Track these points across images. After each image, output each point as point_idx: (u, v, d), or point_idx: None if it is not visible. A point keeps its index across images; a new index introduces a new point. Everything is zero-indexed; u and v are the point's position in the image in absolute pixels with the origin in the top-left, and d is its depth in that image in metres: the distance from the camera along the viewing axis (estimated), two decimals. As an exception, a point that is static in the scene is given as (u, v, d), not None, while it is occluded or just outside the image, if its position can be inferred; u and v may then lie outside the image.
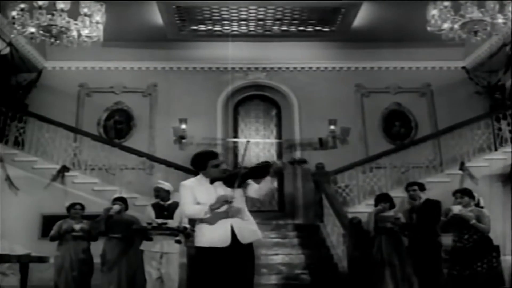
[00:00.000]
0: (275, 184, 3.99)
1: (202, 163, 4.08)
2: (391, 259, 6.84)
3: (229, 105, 11.19)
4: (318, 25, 10.57)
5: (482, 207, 6.36)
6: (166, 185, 6.82)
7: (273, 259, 7.92)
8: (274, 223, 9.33)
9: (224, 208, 3.86)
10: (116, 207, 6.97)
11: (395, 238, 6.97)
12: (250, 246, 3.97)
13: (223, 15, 10.12)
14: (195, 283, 4.02)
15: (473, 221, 6.02)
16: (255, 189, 4.04)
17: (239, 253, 3.87)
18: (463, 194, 6.40)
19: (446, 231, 6.47)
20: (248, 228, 3.97)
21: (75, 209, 7.19)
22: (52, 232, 7.05)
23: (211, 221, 3.90)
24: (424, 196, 6.97)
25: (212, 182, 4.02)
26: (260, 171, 3.95)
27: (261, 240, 4.12)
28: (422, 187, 7.07)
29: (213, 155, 4.12)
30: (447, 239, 6.53)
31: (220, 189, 3.96)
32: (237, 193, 3.94)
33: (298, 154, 10.75)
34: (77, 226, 7.00)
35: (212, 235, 3.89)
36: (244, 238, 3.90)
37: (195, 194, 3.98)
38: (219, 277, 3.79)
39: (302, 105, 11.04)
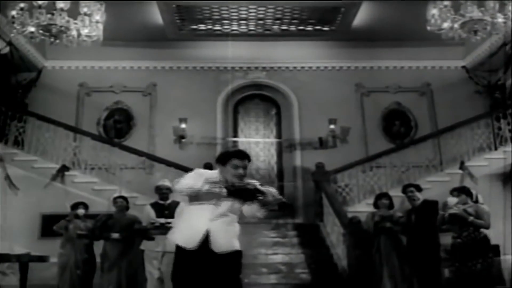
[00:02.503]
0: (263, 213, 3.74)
1: (224, 159, 3.78)
2: (390, 259, 6.85)
3: (229, 105, 11.19)
4: (318, 25, 10.57)
5: (481, 204, 6.37)
6: (170, 183, 6.83)
7: (272, 259, 7.92)
8: (273, 222, 9.32)
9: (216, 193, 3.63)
10: (81, 211, 7.12)
11: (394, 238, 6.98)
12: (227, 257, 3.62)
13: (223, 15, 10.12)
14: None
15: (471, 218, 6.02)
16: (248, 209, 3.76)
17: (210, 259, 3.56)
18: (460, 192, 6.41)
19: (446, 230, 6.48)
20: (226, 238, 3.65)
21: (78, 209, 7.23)
22: (59, 224, 7.10)
23: (190, 215, 3.72)
24: (422, 196, 6.98)
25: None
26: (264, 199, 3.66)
27: (240, 251, 3.74)
28: (418, 188, 7.08)
29: (238, 154, 3.82)
30: (446, 239, 6.53)
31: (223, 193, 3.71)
32: (236, 203, 3.72)
33: (298, 154, 10.76)
34: (81, 211, 7.06)
35: (183, 233, 3.70)
36: (216, 246, 3.58)
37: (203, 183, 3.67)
38: (187, 279, 3.58)
39: (302, 104, 11.04)
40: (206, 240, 3.58)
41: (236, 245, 3.71)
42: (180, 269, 3.64)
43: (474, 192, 6.51)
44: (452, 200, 6.25)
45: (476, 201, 6.42)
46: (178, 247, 3.67)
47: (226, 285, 3.60)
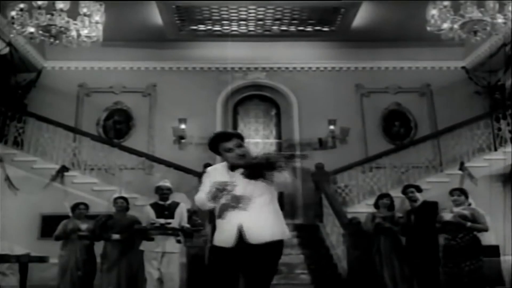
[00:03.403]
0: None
1: (214, 147, 3.44)
2: (389, 259, 6.86)
3: (228, 105, 11.18)
4: (318, 25, 10.57)
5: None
6: (170, 184, 6.83)
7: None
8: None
9: (226, 198, 3.26)
10: (83, 225, 7.03)
11: (394, 239, 6.98)
12: (267, 247, 3.26)
13: (223, 15, 10.12)
14: (198, 282, 3.54)
15: (469, 224, 6.03)
16: (282, 176, 3.31)
17: (248, 255, 3.23)
18: (461, 192, 6.41)
19: (444, 232, 6.47)
20: (262, 226, 3.26)
21: (79, 209, 7.23)
22: (57, 232, 7.06)
23: (220, 214, 3.35)
24: (422, 197, 6.98)
25: (232, 169, 3.38)
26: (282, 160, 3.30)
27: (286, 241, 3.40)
28: (418, 189, 7.08)
29: (223, 136, 3.41)
30: (439, 239, 6.54)
31: (238, 179, 3.32)
32: (258, 184, 3.30)
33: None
34: (83, 226, 7.02)
35: (220, 233, 3.36)
36: (252, 237, 3.23)
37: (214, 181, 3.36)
38: (223, 281, 3.27)
39: (301, 105, 11.03)
40: (241, 234, 3.25)
41: (276, 233, 3.32)
42: (217, 270, 3.32)
43: (469, 197, 6.52)
44: (448, 215, 6.25)
45: (470, 205, 6.42)
46: (216, 248, 3.37)
47: (258, 278, 3.26)
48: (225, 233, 3.31)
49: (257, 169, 3.28)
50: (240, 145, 3.38)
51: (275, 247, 3.31)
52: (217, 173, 3.45)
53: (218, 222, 3.41)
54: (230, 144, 3.36)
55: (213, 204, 3.34)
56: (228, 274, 3.28)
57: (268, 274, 3.32)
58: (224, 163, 3.50)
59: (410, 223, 6.83)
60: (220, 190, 3.25)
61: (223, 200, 3.30)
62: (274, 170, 3.26)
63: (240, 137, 3.45)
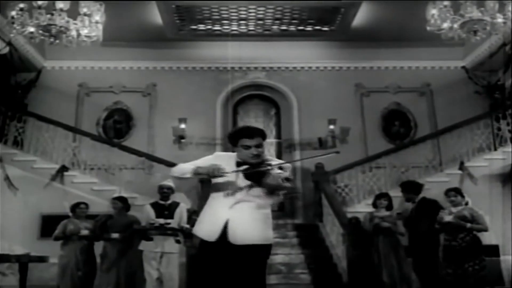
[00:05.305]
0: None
1: (233, 139, 3.37)
2: (388, 259, 6.86)
3: (228, 105, 11.18)
4: (318, 25, 10.57)
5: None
6: (172, 184, 6.83)
7: (272, 259, 7.90)
8: (273, 223, 9.30)
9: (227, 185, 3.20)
10: (84, 231, 6.99)
11: (392, 239, 6.99)
12: (251, 249, 3.20)
13: (223, 15, 10.11)
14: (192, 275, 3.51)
15: (469, 225, 6.04)
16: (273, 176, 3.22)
17: (230, 253, 3.19)
18: (456, 192, 6.42)
19: (444, 233, 6.48)
20: (248, 228, 3.21)
21: (80, 209, 7.21)
22: (57, 232, 7.06)
23: (210, 205, 3.37)
24: (421, 196, 7.00)
25: (238, 165, 3.32)
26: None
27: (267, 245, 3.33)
28: (409, 187, 7.07)
29: (247, 133, 3.32)
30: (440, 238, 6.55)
31: (239, 175, 3.29)
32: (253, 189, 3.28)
33: (297, 154, 10.75)
34: (84, 232, 7.00)
35: (204, 224, 3.35)
36: (235, 238, 3.19)
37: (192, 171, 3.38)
38: (208, 275, 3.23)
39: (301, 104, 11.03)
40: (225, 231, 3.20)
41: (259, 238, 3.25)
42: (199, 264, 3.27)
43: (465, 195, 6.53)
44: (448, 217, 6.26)
45: (466, 205, 6.43)
46: (200, 240, 3.31)
47: (246, 284, 3.17)
48: (209, 225, 3.28)
49: (258, 175, 3.23)
50: (260, 145, 3.31)
51: (253, 251, 3.23)
52: (221, 160, 3.39)
53: (205, 211, 3.40)
54: (250, 142, 3.29)
55: (191, 176, 3.35)
56: (210, 271, 3.21)
57: (250, 277, 3.21)
58: (234, 155, 3.43)
59: (412, 219, 6.86)
60: (215, 174, 3.24)
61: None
62: (271, 188, 3.20)
63: (263, 136, 3.37)
